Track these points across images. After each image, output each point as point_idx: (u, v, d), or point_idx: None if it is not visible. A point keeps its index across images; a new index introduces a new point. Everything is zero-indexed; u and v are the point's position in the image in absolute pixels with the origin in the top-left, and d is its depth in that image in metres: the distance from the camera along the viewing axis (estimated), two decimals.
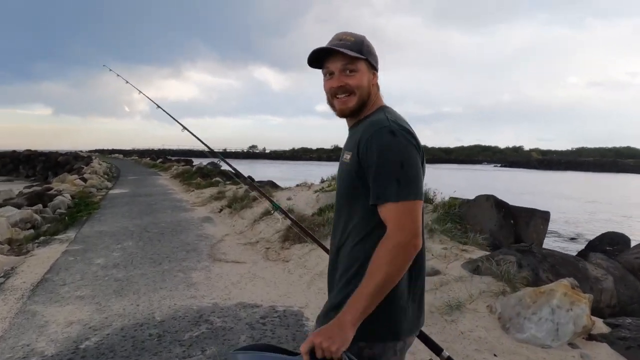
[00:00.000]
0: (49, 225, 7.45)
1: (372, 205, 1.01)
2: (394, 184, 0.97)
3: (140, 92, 3.07)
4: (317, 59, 1.12)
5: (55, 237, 5.89)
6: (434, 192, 5.45)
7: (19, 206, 8.87)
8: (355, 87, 1.10)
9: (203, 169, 17.98)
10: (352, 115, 1.14)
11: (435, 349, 1.24)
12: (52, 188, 12.29)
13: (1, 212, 7.57)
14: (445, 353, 1.22)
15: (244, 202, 7.29)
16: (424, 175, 1.08)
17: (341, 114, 1.14)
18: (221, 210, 7.78)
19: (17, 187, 16.38)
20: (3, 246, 5.56)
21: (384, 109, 1.13)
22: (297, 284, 3.66)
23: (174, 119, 2.77)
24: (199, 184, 13.63)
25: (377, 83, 1.16)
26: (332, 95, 1.13)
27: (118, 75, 3.51)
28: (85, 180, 14.87)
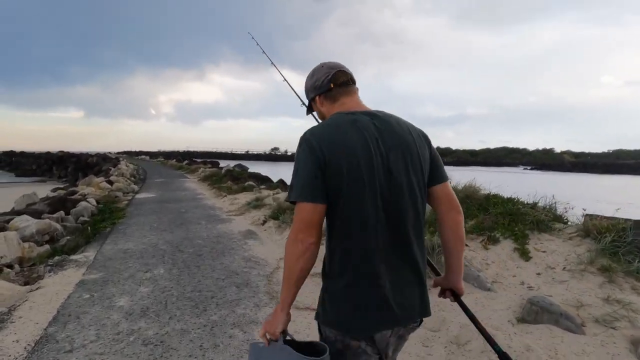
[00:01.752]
0: (68, 238, 6.44)
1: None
2: (290, 188, 1.13)
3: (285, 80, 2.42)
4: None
5: (72, 256, 4.80)
6: (565, 208, 3.96)
7: (39, 213, 7.97)
8: (321, 119, 1.34)
9: (232, 172, 16.97)
10: None
11: (491, 342, 1.21)
12: (76, 192, 11.50)
13: (17, 222, 6.63)
14: (500, 348, 1.19)
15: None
16: (366, 174, 1.10)
17: None
18: (265, 222, 6.53)
19: (45, 189, 15.90)
20: (10, 270, 4.50)
21: (325, 119, 1.27)
22: None
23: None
24: (231, 188, 12.55)
25: (323, 101, 1.30)
26: None
27: (257, 44, 2.91)
28: (111, 183, 14.11)
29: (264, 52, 2.75)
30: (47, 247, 5.59)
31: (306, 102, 1.38)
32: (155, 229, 6.41)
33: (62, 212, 8.12)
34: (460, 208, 1.23)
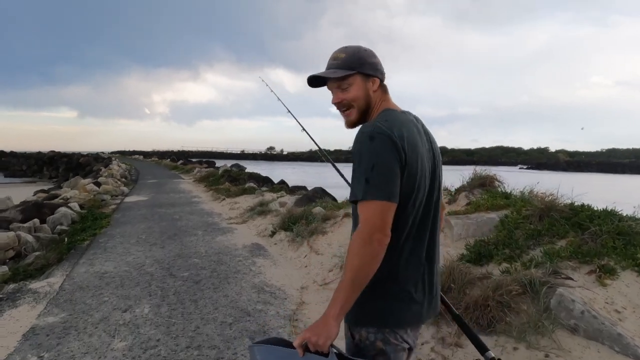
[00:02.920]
0: (37, 254, 5.37)
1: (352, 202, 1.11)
2: (363, 184, 1.04)
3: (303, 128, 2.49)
4: (318, 80, 1.22)
5: (34, 283, 3.73)
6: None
7: (8, 222, 6.86)
8: (352, 100, 1.18)
9: (230, 172, 15.89)
10: (357, 125, 1.20)
11: (481, 348, 1.24)
12: (58, 195, 10.37)
13: None
14: (490, 354, 1.21)
15: (312, 224, 4.97)
16: (427, 175, 1.14)
17: (347, 126, 1.24)
18: (273, 233, 5.50)
19: (31, 191, 14.72)
20: None
21: (384, 112, 1.17)
22: None
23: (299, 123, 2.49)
24: (229, 191, 11.48)
25: (379, 88, 1.20)
26: (339, 110, 1.24)
27: (272, 91, 2.92)
28: (99, 185, 12.98)
29: (278, 99, 2.73)
30: (5, 268, 4.51)
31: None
32: (142, 242, 5.35)
33: (36, 221, 7.01)
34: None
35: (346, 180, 2.15)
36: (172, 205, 9.29)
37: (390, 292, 1.11)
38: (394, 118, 1.14)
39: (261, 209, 7.28)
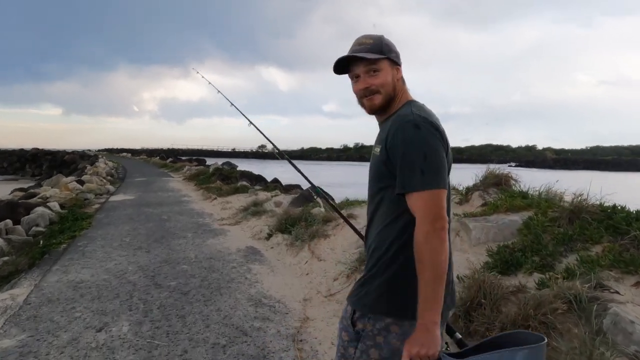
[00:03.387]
0: (7, 259, 4.86)
1: (398, 194, 1.06)
2: (418, 174, 1.01)
3: (248, 120, 2.55)
4: (342, 65, 1.18)
5: None
6: None
7: None
8: (380, 85, 1.15)
9: (222, 170, 15.37)
10: (380, 111, 1.18)
11: (450, 331, 1.24)
12: (37, 194, 9.77)
13: None
14: (458, 335, 1.20)
15: (312, 226, 4.57)
16: (449, 168, 1.13)
17: (370, 111, 1.19)
18: (270, 236, 5.09)
19: (8, 188, 13.99)
20: None
21: (411, 103, 1.17)
22: None
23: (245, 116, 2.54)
24: (221, 189, 11.00)
25: (401, 77, 1.20)
26: (361, 97, 1.18)
27: (210, 83, 3.11)
28: (82, 183, 12.36)
29: (219, 91, 2.83)
30: None
31: None
32: (126, 246, 4.88)
33: (8, 222, 6.48)
34: None
35: (306, 179, 2.01)
36: (160, 205, 8.80)
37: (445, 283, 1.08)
38: (426, 109, 1.14)
39: (255, 209, 6.86)
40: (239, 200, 8.73)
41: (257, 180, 14.22)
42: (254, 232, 5.59)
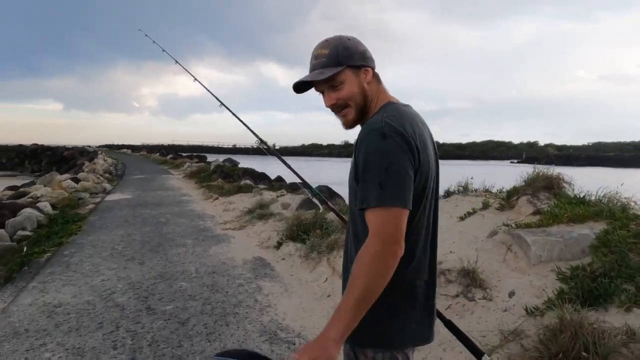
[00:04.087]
0: None
1: (360, 210, 0.96)
2: (376, 189, 0.92)
3: (236, 116, 2.29)
4: (304, 84, 1.08)
5: None
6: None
7: None
8: (346, 99, 1.04)
9: (223, 168, 14.78)
10: (357, 124, 1.09)
11: (476, 352, 1.17)
12: (27, 193, 9.19)
13: None
14: (486, 357, 1.14)
15: (330, 235, 3.98)
16: (433, 175, 1.02)
17: (346, 127, 1.10)
18: (280, 244, 4.50)
19: (2, 185, 13.44)
20: None
21: (386, 107, 1.03)
22: None
23: (231, 111, 2.29)
24: (223, 188, 10.42)
25: (372, 79, 1.06)
26: (333, 112, 1.09)
27: (154, 42, 3.19)
28: (77, 181, 11.78)
29: (208, 90, 2.50)
30: None
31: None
32: (117, 256, 4.30)
33: None
34: None
35: (297, 174, 1.82)
36: (159, 205, 8.22)
37: (404, 309, 0.99)
38: (402, 113, 1.01)
39: (261, 212, 6.27)
40: (243, 201, 8.15)
41: (260, 178, 13.64)
42: (261, 239, 5.00)
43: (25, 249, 5.14)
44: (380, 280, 0.89)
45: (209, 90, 2.44)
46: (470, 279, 2.69)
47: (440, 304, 2.56)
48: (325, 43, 1.04)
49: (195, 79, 2.45)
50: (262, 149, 2.10)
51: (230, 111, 2.21)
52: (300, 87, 1.08)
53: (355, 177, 0.98)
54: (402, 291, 0.98)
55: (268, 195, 8.42)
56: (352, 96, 1.03)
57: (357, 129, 1.06)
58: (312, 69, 1.04)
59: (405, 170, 0.92)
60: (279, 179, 14.96)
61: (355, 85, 1.03)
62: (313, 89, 1.08)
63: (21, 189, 9.95)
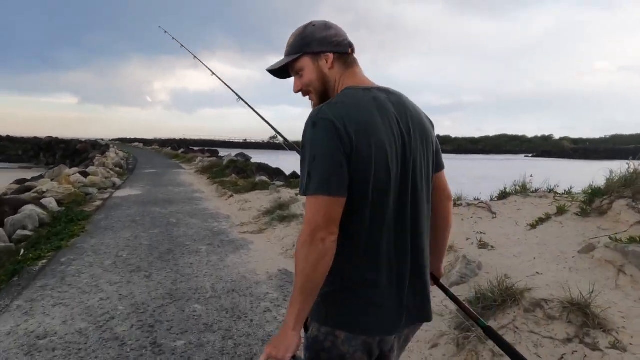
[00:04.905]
0: None
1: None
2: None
3: (213, 73, 2.58)
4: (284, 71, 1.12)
5: None
6: None
7: None
8: (306, 85, 1.07)
9: (237, 163, 14.21)
10: None
11: (475, 319, 1.16)
12: (33, 188, 8.75)
13: None
14: (483, 322, 1.13)
15: None
16: (398, 160, 0.98)
17: None
18: None
19: (13, 177, 13.12)
20: None
21: (339, 93, 1.03)
22: None
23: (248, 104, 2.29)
24: (237, 185, 9.83)
25: (334, 64, 1.05)
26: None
27: (173, 38, 3.27)
28: (86, 175, 11.34)
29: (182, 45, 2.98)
30: None
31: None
32: (121, 266, 3.71)
33: None
34: (452, 195, 1.21)
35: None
36: (169, 203, 7.66)
37: (363, 295, 0.97)
38: (346, 99, 0.99)
39: (282, 214, 5.63)
40: (259, 199, 7.53)
41: (275, 174, 13.03)
42: (284, 246, 4.36)
43: (22, 252, 4.62)
44: (315, 267, 0.89)
45: (227, 85, 2.36)
46: (584, 316, 1.99)
47: (548, 351, 1.87)
48: (293, 32, 1.07)
49: (213, 73, 2.45)
50: (283, 145, 2.04)
51: (250, 106, 2.16)
52: (281, 75, 1.11)
53: None
54: (351, 275, 0.97)
55: (286, 193, 7.78)
56: (311, 83, 1.05)
57: None
58: (284, 55, 1.09)
59: (331, 157, 0.90)
60: (295, 175, 14.34)
61: (313, 72, 1.04)
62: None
63: (27, 183, 9.52)
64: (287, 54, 1.06)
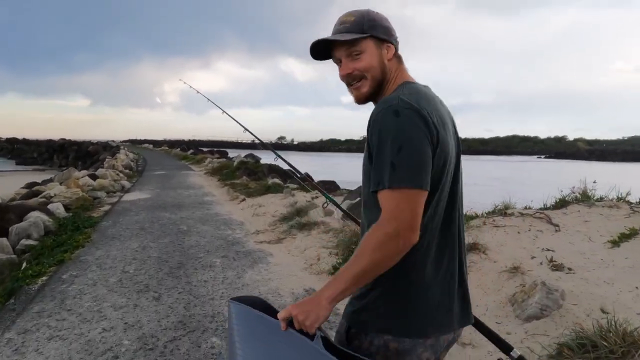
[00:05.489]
0: None
1: (373, 193, 0.91)
2: (389, 169, 0.87)
3: (223, 111, 2.68)
4: (322, 50, 1.03)
5: None
6: None
7: None
8: (364, 69, 1.00)
9: (247, 164, 13.84)
10: (370, 99, 1.04)
11: (505, 347, 1.18)
12: (41, 192, 8.47)
13: None
14: (516, 352, 1.15)
15: None
16: (454, 164, 0.96)
17: (357, 101, 1.05)
18: (336, 269, 3.41)
19: (25, 180, 12.97)
20: None
21: (404, 85, 0.99)
22: None
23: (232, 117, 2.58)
24: (248, 187, 9.45)
25: (394, 57, 1.03)
26: (347, 84, 1.05)
27: (191, 87, 3.34)
28: (95, 178, 11.07)
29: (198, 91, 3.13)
30: None
31: None
32: (128, 284, 3.31)
33: None
34: None
35: (292, 167, 1.92)
36: (179, 207, 7.29)
37: (416, 297, 0.93)
38: (419, 90, 0.96)
39: (300, 221, 5.19)
40: (274, 203, 7.12)
41: (287, 176, 12.63)
42: (308, 259, 3.92)
43: (24, 265, 4.28)
44: (388, 262, 0.87)
45: (242, 125, 2.36)
46: None
47: None
48: (353, 12, 1.02)
49: (224, 112, 2.53)
50: (258, 146, 1.99)
51: (224, 110, 2.32)
52: (319, 53, 1.04)
53: (370, 159, 0.93)
54: (420, 278, 0.93)
55: (301, 197, 7.36)
56: (370, 68, 0.99)
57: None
58: (335, 33, 1.00)
59: (421, 149, 0.87)
60: (307, 176, 13.91)
61: (376, 58, 0.99)
62: (332, 59, 1.04)
63: (35, 188, 9.27)
64: (349, 31, 0.97)
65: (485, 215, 3.58)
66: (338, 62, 1.03)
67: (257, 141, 2.37)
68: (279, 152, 2.19)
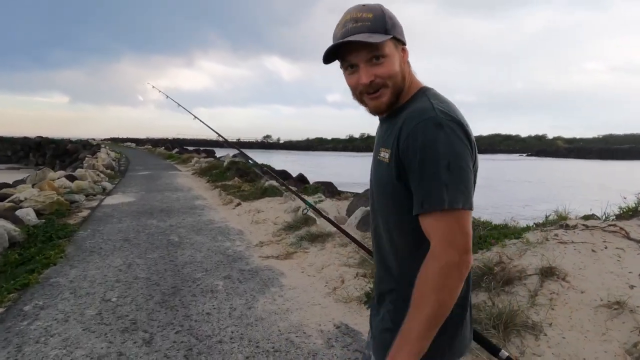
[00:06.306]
0: None
1: (417, 216, 0.84)
2: (440, 189, 0.78)
3: (195, 117, 3.07)
4: (332, 52, 0.90)
5: None
6: None
7: None
8: (387, 76, 0.87)
9: (238, 164, 13.08)
10: (388, 111, 0.92)
11: (492, 349, 1.12)
12: (9, 195, 7.55)
13: None
14: (504, 353, 1.10)
15: None
16: (476, 174, 0.88)
17: (376, 111, 0.93)
18: (369, 297, 2.81)
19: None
20: None
21: (425, 92, 0.90)
22: None
23: (200, 119, 2.82)
24: (242, 190, 8.76)
25: (407, 60, 0.93)
26: (362, 93, 0.90)
27: (160, 91, 3.83)
28: (73, 179, 10.14)
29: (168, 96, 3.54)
30: None
31: None
32: (109, 318, 2.61)
33: None
34: None
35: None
36: (168, 214, 6.55)
37: (460, 318, 0.89)
38: (446, 102, 0.86)
39: (310, 231, 4.56)
40: (273, 209, 6.47)
41: (282, 177, 11.96)
42: (329, 281, 3.29)
43: None
44: (454, 294, 0.79)
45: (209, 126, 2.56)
46: None
47: None
48: (366, 7, 0.87)
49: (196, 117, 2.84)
50: (224, 144, 1.86)
51: (190, 112, 2.54)
52: (326, 56, 0.90)
53: (398, 177, 0.84)
54: (466, 300, 0.89)
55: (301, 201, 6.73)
56: (393, 75, 0.87)
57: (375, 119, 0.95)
58: (352, 32, 0.84)
59: (467, 165, 0.81)
60: (301, 177, 13.28)
61: (398, 62, 0.88)
62: (339, 63, 0.92)
63: (3, 190, 8.32)
64: (371, 30, 0.83)
65: (540, 226, 3.04)
66: (349, 67, 0.89)
67: (221, 139, 2.38)
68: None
